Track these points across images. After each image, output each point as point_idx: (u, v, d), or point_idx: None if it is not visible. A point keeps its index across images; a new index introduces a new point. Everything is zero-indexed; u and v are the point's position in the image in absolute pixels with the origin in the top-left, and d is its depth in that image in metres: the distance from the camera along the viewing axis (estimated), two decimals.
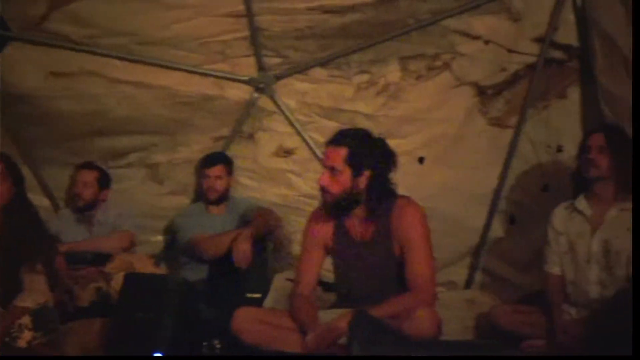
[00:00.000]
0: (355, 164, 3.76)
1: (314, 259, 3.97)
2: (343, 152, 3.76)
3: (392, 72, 5.16)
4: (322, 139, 5.12)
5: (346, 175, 3.76)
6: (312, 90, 5.24)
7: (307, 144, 5.34)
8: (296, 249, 5.25)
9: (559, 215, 4.36)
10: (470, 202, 5.35)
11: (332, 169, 3.77)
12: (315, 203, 4.16)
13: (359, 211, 3.84)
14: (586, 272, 4.19)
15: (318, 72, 5.20)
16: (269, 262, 5.21)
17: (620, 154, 4.18)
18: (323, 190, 3.81)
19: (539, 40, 5.00)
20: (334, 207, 3.83)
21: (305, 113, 5.31)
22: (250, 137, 5.41)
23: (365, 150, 3.77)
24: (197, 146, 5.42)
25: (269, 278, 4.92)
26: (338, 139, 3.82)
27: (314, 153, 5.33)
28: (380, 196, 3.81)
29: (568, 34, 4.98)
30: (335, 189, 3.77)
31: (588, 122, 4.99)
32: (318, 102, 5.25)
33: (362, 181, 3.78)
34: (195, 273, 4.99)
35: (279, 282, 4.82)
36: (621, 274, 4.10)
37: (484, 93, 5.17)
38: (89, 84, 5.08)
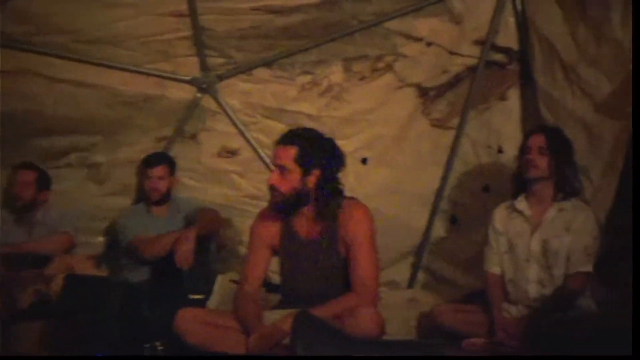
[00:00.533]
0: (305, 163, 3.76)
1: (260, 259, 3.96)
2: (293, 151, 3.76)
3: (336, 73, 5.19)
4: (265, 140, 5.14)
5: (296, 174, 3.77)
6: (256, 90, 5.23)
7: (251, 144, 5.32)
8: (240, 249, 5.24)
9: (499, 215, 4.42)
10: (412, 202, 5.39)
11: (281, 168, 3.78)
12: (259, 203, 4.16)
13: (307, 211, 3.85)
14: (525, 271, 4.26)
15: (262, 73, 5.19)
16: (212, 263, 5.18)
17: (559, 154, 4.26)
18: (272, 189, 3.80)
19: (480, 42, 5.07)
20: (283, 206, 3.83)
21: (249, 113, 5.29)
22: (193, 137, 5.37)
23: (315, 150, 3.79)
24: (139, 146, 5.36)
25: (212, 279, 4.89)
26: (288, 138, 3.82)
27: (257, 154, 5.32)
28: (329, 196, 3.82)
29: (508, 37, 5.06)
30: (284, 188, 3.77)
31: (528, 123, 5.07)
32: (262, 102, 5.25)
33: (312, 180, 3.79)
34: (137, 274, 4.94)
35: (222, 283, 4.80)
36: (559, 273, 4.18)
37: (426, 94, 5.22)
38: (27, 82, 4.98)
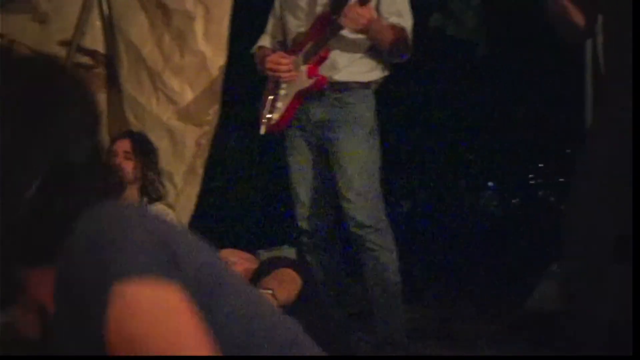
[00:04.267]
0: None
1: None
2: None
3: None
4: None
5: None
6: None
7: None
8: None
9: None
10: None
11: None
12: None
13: None
14: None
15: None
16: None
17: (144, 159, 4.38)
18: None
19: (66, 44, 5.00)
20: None
21: None
22: None
23: None
24: None
25: None
26: None
27: None
28: None
29: (95, 40, 5.04)
30: None
31: (114, 128, 5.10)
32: None
33: None
34: None
35: None
36: None
37: None
38: None
